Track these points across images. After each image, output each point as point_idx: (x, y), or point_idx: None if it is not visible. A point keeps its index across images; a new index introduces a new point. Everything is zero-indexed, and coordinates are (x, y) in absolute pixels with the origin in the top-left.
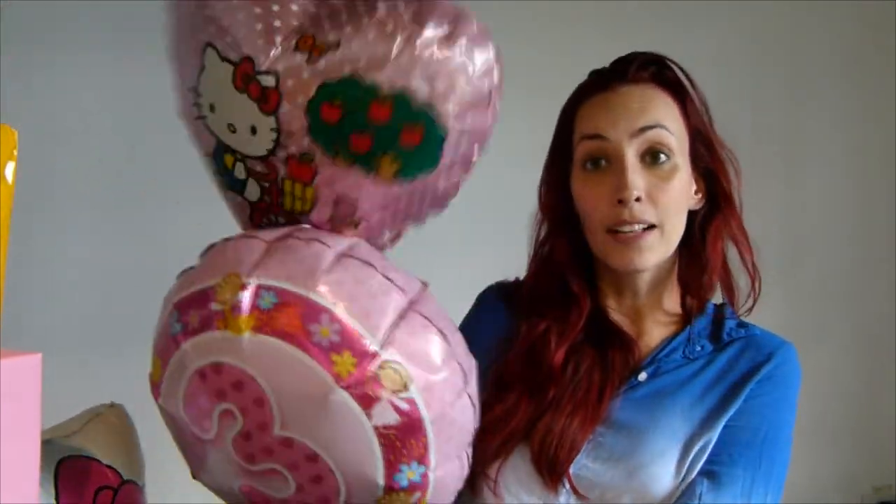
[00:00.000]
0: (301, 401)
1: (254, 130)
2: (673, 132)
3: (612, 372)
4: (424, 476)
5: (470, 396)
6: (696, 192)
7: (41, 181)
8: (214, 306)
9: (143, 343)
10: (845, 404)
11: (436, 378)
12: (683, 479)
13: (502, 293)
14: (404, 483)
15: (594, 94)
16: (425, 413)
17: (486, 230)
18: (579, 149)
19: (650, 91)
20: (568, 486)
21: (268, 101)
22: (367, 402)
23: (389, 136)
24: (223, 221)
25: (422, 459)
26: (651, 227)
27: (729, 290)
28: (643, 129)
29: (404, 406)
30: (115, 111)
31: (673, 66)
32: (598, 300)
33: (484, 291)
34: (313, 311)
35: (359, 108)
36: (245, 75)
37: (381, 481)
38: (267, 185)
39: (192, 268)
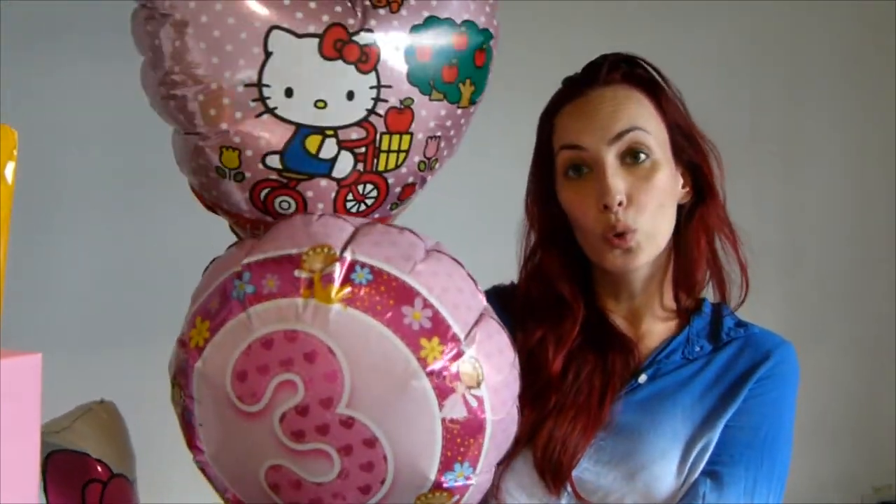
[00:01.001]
0: (379, 381)
1: (350, 95)
2: (650, 131)
3: (613, 376)
4: (469, 479)
5: (518, 409)
6: (682, 186)
7: (41, 181)
8: (300, 273)
9: (143, 343)
10: (845, 404)
11: (503, 382)
12: (685, 480)
13: (498, 297)
14: (451, 483)
15: (569, 103)
16: (489, 414)
17: (486, 229)
18: (560, 158)
19: (622, 92)
20: (570, 489)
21: (368, 58)
22: (444, 392)
23: (468, 62)
24: (223, 221)
25: (473, 461)
26: (636, 229)
27: (720, 283)
28: (620, 135)
29: (473, 403)
30: (115, 111)
31: (643, 63)
32: (596, 303)
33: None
34: (408, 294)
35: (445, 43)
36: (338, 41)
37: (432, 476)
38: (362, 150)
39: (245, 239)
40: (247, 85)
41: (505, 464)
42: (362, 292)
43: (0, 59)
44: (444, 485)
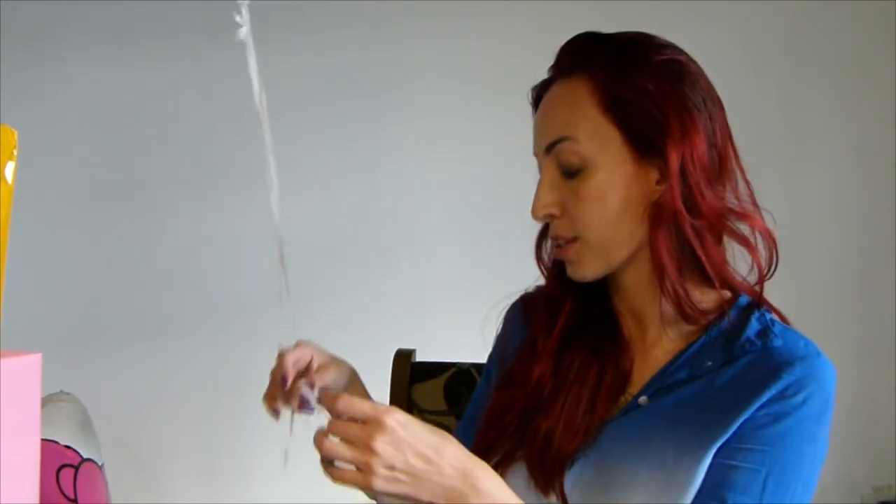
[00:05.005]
0: None
1: None
2: (579, 138)
3: (603, 386)
4: None
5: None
6: (658, 182)
7: (40, 180)
8: None
9: (143, 343)
10: (845, 404)
11: None
12: None
13: (522, 304)
14: None
15: (540, 98)
16: None
17: (482, 228)
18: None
19: (567, 87)
20: (559, 495)
21: None
22: None
23: None
24: (219, 220)
25: None
26: (575, 238)
27: (717, 274)
28: (550, 147)
29: None
30: (114, 111)
31: (602, 43)
32: (606, 299)
33: (508, 308)
34: None
35: None
36: None
37: None
38: None
39: None
40: None
41: (504, 463)
42: None
43: (0, 59)
44: None
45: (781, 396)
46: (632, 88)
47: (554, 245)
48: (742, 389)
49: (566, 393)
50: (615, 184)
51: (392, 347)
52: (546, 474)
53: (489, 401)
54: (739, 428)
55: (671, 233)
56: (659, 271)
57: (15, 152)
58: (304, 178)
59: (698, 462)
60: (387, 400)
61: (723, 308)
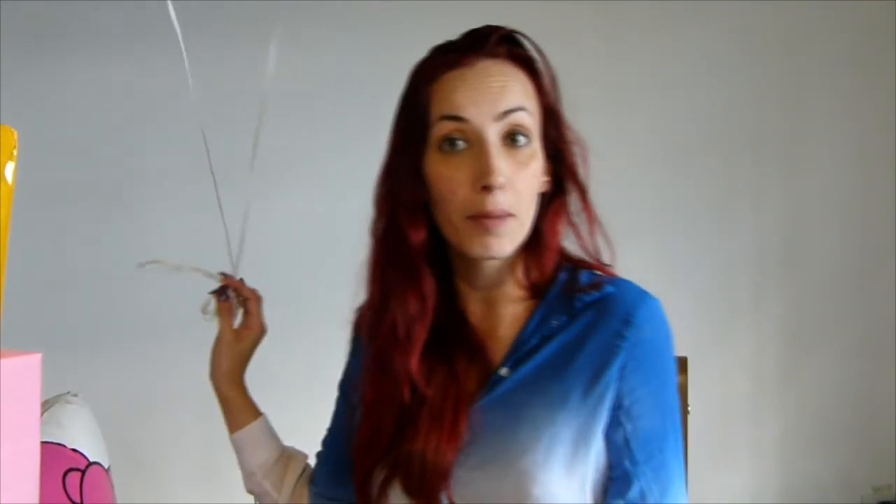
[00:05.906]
0: None
1: None
2: (532, 114)
3: (461, 386)
4: None
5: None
6: (544, 174)
7: (40, 181)
8: None
9: (143, 343)
10: (845, 404)
11: None
12: (571, 472)
13: (361, 323)
14: None
15: (449, 70)
16: None
17: None
18: (437, 129)
19: (508, 68)
20: (447, 501)
21: None
22: None
23: None
24: (218, 220)
25: None
26: (512, 214)
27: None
28: (506, 113)
29: None
30: (114, 111)
31: (527, 42)
32: (450, 292)
33: (354, 326)
34: None
35: None
36: None
37: None
38: None
39: None
40: None
41: (382, 489)
42: None
43: (0, 59)
44: None
45: (636, 347)
46: (552, 90)
47: (484, 218)
48: (598, 341)
49: (429, 410)
50: (541, 166)
51: None
52: (427, 494)
53: (357, 425)
54: (620, 386)
55: (562, 226)
56: (546, 258)
57: (15, 152)
58: (304, 178)
59: (579, 415)
60: None
61: (552, 274)
